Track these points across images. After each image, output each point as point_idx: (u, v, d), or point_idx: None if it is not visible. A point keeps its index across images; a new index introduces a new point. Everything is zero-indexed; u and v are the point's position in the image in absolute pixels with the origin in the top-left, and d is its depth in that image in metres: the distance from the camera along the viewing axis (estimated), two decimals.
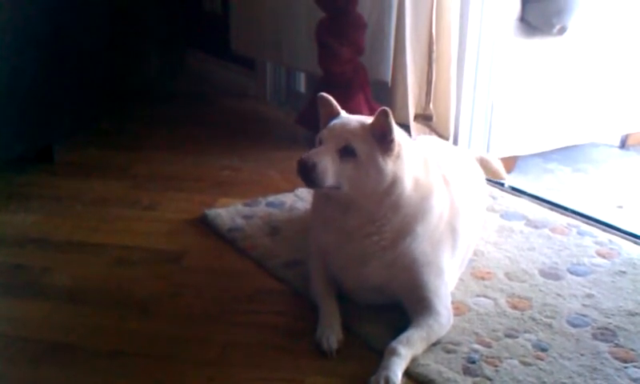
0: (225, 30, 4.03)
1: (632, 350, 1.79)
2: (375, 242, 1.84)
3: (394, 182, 1.79)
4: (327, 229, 1.92)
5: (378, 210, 1.82)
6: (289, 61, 3.73)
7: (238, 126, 3.64)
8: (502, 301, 1.99)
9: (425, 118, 2.96)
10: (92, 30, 3.19)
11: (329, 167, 1.74)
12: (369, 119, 1.82)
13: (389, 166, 1.77)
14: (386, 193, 1.80)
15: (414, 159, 1.86)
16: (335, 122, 1.85)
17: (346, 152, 1.76)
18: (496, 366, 1.71)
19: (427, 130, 2.96)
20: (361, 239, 1.84)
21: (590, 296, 2.02)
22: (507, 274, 2.13)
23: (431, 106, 2.93)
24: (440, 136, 2.89)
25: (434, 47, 2.86)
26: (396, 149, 1.78)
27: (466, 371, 1.69)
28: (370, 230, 1.83)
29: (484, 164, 2.61)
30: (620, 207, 2.78)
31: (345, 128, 1.80)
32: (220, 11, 4.22)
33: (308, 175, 1.75)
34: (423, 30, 2.87)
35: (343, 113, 1.91)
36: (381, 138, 1.76)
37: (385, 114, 1.74)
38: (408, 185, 1.82)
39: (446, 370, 1.69)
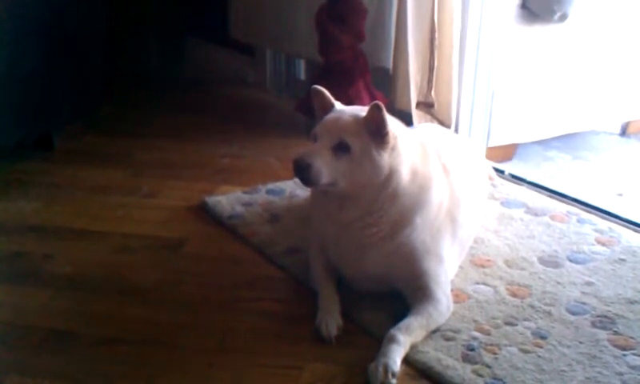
0: (224, 16, 4.02)
1: (631, 337, 1.79)
2: (373, 233, 1.84)
3: (391, 175, 1.78)
4: (326, 221, 1.92)
5: (376, 202, 1.81)
6: (289, 48, 3.72)
7: (237, 113, 3.64)
8: (502, 288, 1.99)
9: (426, 106, 2.95)
10: (92, 16, 3.18)
11: (323, 166, 1.73)
12: (363, 111, 1.80)
13: (384, 159, 1.76)
14: (383, 185, 1.79)
15: (411, 150, 1.85)
16: (328, 117, 1.83)
17: (340, 148, 1.75)
18: (495, 354, 1.71)
19: (429, 118, 2.95)
20: (359, 230, 1.84)
21: (589, 284, 2.02)
22: (507, 262, 2.13)
23: (433, 93, 2.92)
24: (442, 123, 2.87)
25: (436, 34, 2.85)
26: (391, 141, 1.76)
27: (465, 358, 1.69)
28: (368, 222, 1.83)
29: None
30: (620, 195, 2.78)
31: (338, 123, 1.79)
32: None
33: (303, 176, 1.75)
34: (425, 16, 2.86)
35: (337, 105, 1.90)
36: (375, 132, 1.75)
37: (378, 108, 1.73)
38: (405, 176, 1.81)
39: (445, 358, 1.69)
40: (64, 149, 3.04)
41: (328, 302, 1.86)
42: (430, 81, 2.91)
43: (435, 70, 2.89)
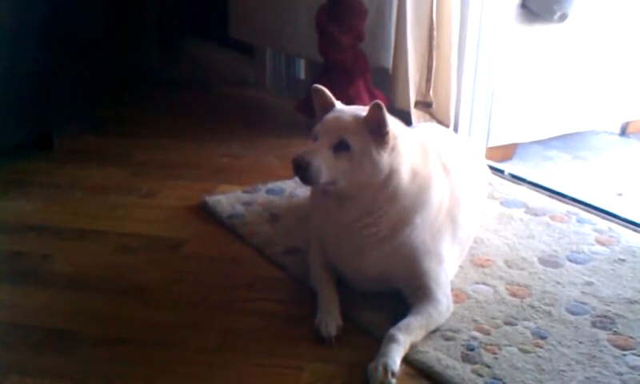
0: (224, 16, 4.02)
1: (630, 337, 1.79)
2: (373, 234, 1.83)
3: (391, 175, 1.78)
4: (326, 220, 1.92)
5: (375, 202, 1.81)
6: (289, 47, 3.72)
7: (237, 112, 3.64)
8: (502, 288, 1.99)
9: (425, 105, 2.95)
10: (91, 16, 3.19)
11: (323, 165, 1.73)
12: (363, 111, 1.80)
13: (384, 158, 1.76)
14: (383, 185, 1.79)
15: (411, 150, 1.85)
16: (329, 116, 1.83)
17: (340, 147, 1.75)
18: (495, 354, 1.71)
19: (428, 117, 2.96)
20: (358, 231, 1.84)
21: (589, 284, 2.02)
22: (506, 262, 2.13)
23: (431, 92, 2.92)
24: (440, 123, 2.88)
25: (435, 33, 2.85)
26: (391, 141, 1.76)
27: (465, 358, 1.69)
28: (368, 222, 1.83)
29: None
30: (620, 195, 2.78)
31: (338, 122, 1.79)
32: None
33: (302, 174, 1.75)
34: (424, 16, 2.86)
35: (338, 104, 1.90)
36: (375, 131, 1.75)
37: (378, 108, 1.73)
38: (405, 176, 1.81)
39: (444, 357, 1.69)
40: (64, 149, 3.04)
41: (328, 302, 1.86)
42: (428, 80, 2.91)
43: (434, 69, 2.89)
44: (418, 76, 2.93)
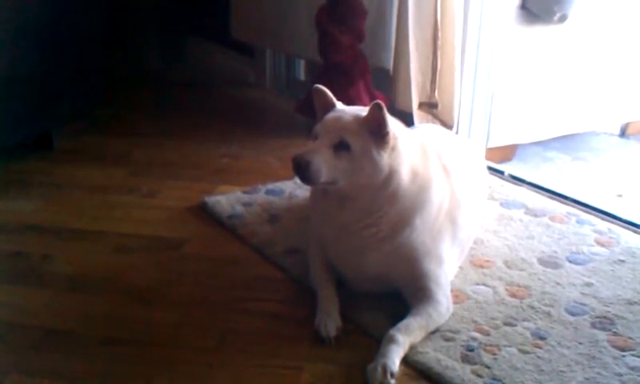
0: (225, 16, 4.02)
1: (630, 338, 1.79)
2: (373, 234, 1.84)
3: (391, 175, 1.78)
4: (326, 221, 1.93)
5: (375, 202, 1.81)
6: (289, 48, 3.72)
7: (237, 113, 3.64)
8: (501, 289, 1.99)
9: (430, 106, 2.95)
10: (91, 16, 3.18)
11: (322, 164, 1.73)
12: (364, 111, 1.80)
13: (384, 159, 1.76)
14: (383, 186, 1.79)
15: (412, 150, 1.85)
16: (329, 116, 1.84)
17: (341, 147, 1.75)
18: (494, 354, 1.71)
19: (431, 118, 2.95)
20: (358, 231, 1.84)
21: (588, 285, 2.03)
22: (506, 263, 2.14)
23: (436, 93, 2.92)
24: (444, 124, 2.87)
25: (439, 34, 2.84)
26: (391, 142, 1.76)
27: (465, 359, 1.69)
28: (368, 222, 1.83)
29: None
30: (619, 196, 2.78)
31: (339, 122, 1.79)
32: None
33: (302, 173, 1.75)
34: (427, 17, 2.85)
35: (339, 104, 1.90)
36: (375, 132, 1.75)
37: (379, 108, 1.73)
38: (405, 177, 1.81)
39: (444, 358, 1.69)
40: (64, 148, 3.04)
41: (327, 303, 1.86)
42: (433, 82, 2.90)
43: (439, 70, 2.88)
44: (421, 77, 2.93)
